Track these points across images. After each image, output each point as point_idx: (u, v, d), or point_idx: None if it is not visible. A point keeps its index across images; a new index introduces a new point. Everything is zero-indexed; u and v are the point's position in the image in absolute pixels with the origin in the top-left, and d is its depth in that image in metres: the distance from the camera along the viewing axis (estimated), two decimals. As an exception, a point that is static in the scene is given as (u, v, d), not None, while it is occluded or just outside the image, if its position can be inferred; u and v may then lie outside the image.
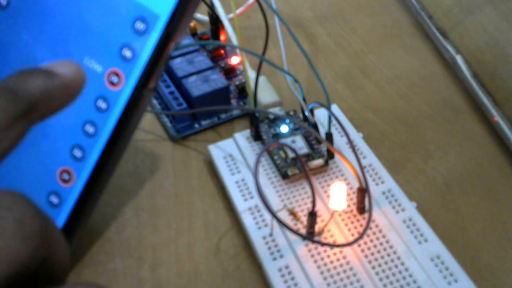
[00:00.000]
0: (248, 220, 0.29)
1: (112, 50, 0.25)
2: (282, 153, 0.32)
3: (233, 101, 0.37)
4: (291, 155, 0.31)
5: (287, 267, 0.27)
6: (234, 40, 0.38)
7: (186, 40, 0.40)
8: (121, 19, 0.24)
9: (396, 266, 0.27)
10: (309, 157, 0.31)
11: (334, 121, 0.33)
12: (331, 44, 0.42)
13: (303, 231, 0.28)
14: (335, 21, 0.44)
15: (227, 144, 0.33)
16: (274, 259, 0.28)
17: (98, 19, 0.25)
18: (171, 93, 0.36)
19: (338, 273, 0.27)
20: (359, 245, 0.28)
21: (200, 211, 0.31)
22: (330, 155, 0.32)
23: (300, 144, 0.32)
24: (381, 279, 0.26)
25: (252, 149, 0.33)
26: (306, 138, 0.32)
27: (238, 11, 0.40)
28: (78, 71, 0.15)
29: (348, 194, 0.30)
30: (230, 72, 0.39)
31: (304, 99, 0.32)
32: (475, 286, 0.26)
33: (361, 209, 0.29)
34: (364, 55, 0.41)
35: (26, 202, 0.13)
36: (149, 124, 0.36)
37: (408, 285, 0.26)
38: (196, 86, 0.35)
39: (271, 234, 0.29)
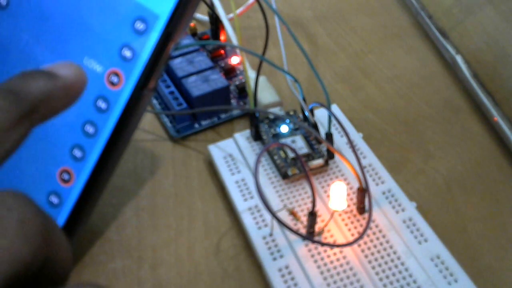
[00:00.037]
0: (248, 220, 0.29)
1: (112, 50, 0.25)
2: (282, 153, 0.32)
3: (233, 101, 0.37)
4: (291, 155, 0.31)
5: (287, 267, 0.27)
6: (234, 40, 0.38)
7: (186, 40, 0.40)
8: (121, 19, 0.24)
9: (396, 266, 0.27)
10: (309, 157, 0.31)
11: (334, 121, 0.33)
12: (331, 44, 0.42)
13: (303, 231, 0.29)
14: (335, 21, 0.44)
15: (227, 144, 0.33)
16: (274, 259, 0.28)
17: (98, 19, 0.25)
18: (171, 93, 0.36)
19: (338, 273, 0.27)
20: (359, 245, 0.28)
21: (200, 211, 0.31)
22: (330, 155, 0.32)
23: (300, 144, 0.32)
24: (381, 279, 0.26)
25: (252, 149, 0.33)
26: (306, 138, 0.32)
27: (238, 11, 0.40)
28: (79, 73, 0.15)
29: (348, 194, 0.30)
30: (230, 72, 0.39)
31: (304, 99, 0.32)
32: (475, 286, 0.26)
33: (361, 209, 0.29)
34: (364, 55, 0.41)
35: (28, 202, 0.13)
36: (149, 124, 0.36)
37: (408, 285, 0.26)
38: (196, 86, 0.35)
39: (271, 234, 0.29)
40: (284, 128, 0.33)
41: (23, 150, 0.27)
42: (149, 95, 0.25)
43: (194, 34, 0.42)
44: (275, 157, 0.32)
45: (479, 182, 0.32)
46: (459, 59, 0.38)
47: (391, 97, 0.38)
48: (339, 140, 0.33)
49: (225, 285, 0.28)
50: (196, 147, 0.35)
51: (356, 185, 0.29)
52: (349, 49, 0.42)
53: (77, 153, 0.25)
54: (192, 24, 0.42)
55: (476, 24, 0.39)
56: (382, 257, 0.27)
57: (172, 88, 0.36)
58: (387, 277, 0.26)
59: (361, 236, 0.27)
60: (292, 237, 0.28)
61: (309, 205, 0.29)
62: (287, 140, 0.32)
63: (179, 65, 0.37)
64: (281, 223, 0.26)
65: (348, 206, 0.29)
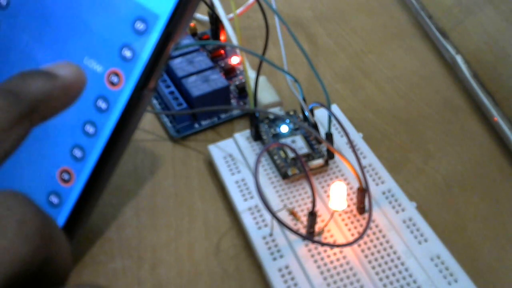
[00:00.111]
0: (248, 220, 0.29)
1: (112, 50, 0.25)
2: (282, 153, 0.32)
3: (233, 101, 0.37)
4: (291, 155, 0.31)
5: (287, 267, 0.27)
6: (234, 40, 0.38)
7: (186, 40, 0.40)
8: (121, 19, 0.24)
9: (396, 266, 0.27)
10: (309, 157, 0.31)
11: (334, 121, 0.33)
12: (331, 44, 0.42)
13: (303, 231, 0.29)
14: (335, 21, 0.44)
15: (227, 144, 0.33)
16: (274, 259, 0.28)
17: (98, 19, 0.25)
18: (171, 93, 0.36)
19: (338, 273, 0.27)
20: (359, 245, 0.28)
21: (200, 211, 0.31)
22: (330, 155, 0.32)
23: (300, 144, 0.32)
24: (381, 279, 0.26)
25: (252, 149, 0.33)
26: (306, 138, 0.32)
27: (238, 11, 0.40)
28: (78, 73, 0.15)
29: (348, 194, 0.30)
30: (230, 72, 0.39)
31: (304, 99, 0.32)
32: (475, 286, 0.26)
33: (361, 209, 0.29)
34: (364, 55, 0.41)
35: (27, 202, 0.13)
36: (149, 124, 0.36)
37: (408, 285, 0.26)
38: (196, 86, 0.35)
39: (271, 234, 0.29)
40: (284, 128, 0.33)
41: (23, 150, 0.27)
42: (149, 95, 0.25)
43: (194, 34, 0.42)
44: (275, 157, 0.32)
45: (479, 182, 0.32)
46: (459, 59, 0.38)
47: (391, 97, 0.38)
48: (339, 140, 0.33)
49: (225, 285, 0.28)
50: (196, 147, 0.35)
51: (356, 185, 0.29)
52: (349, 49, 0.42)
53: (77, 153, 0.25)
54: (192, 24, 0.42)
55: (476, 24, 0.39)
56: (382, 257, 0.27)
57: (172, 88, 0.36)
58: (387, 277, 0.26)
59: (361, 236, 0.27)
60: (292, 237, 0.28)
61: (309, 205, 0.29)
62: (287, 140, 0.32)
63: (179, 65, 0.37)
64: (281, 223, 0.26)
65: (348, 206, 0.29)
